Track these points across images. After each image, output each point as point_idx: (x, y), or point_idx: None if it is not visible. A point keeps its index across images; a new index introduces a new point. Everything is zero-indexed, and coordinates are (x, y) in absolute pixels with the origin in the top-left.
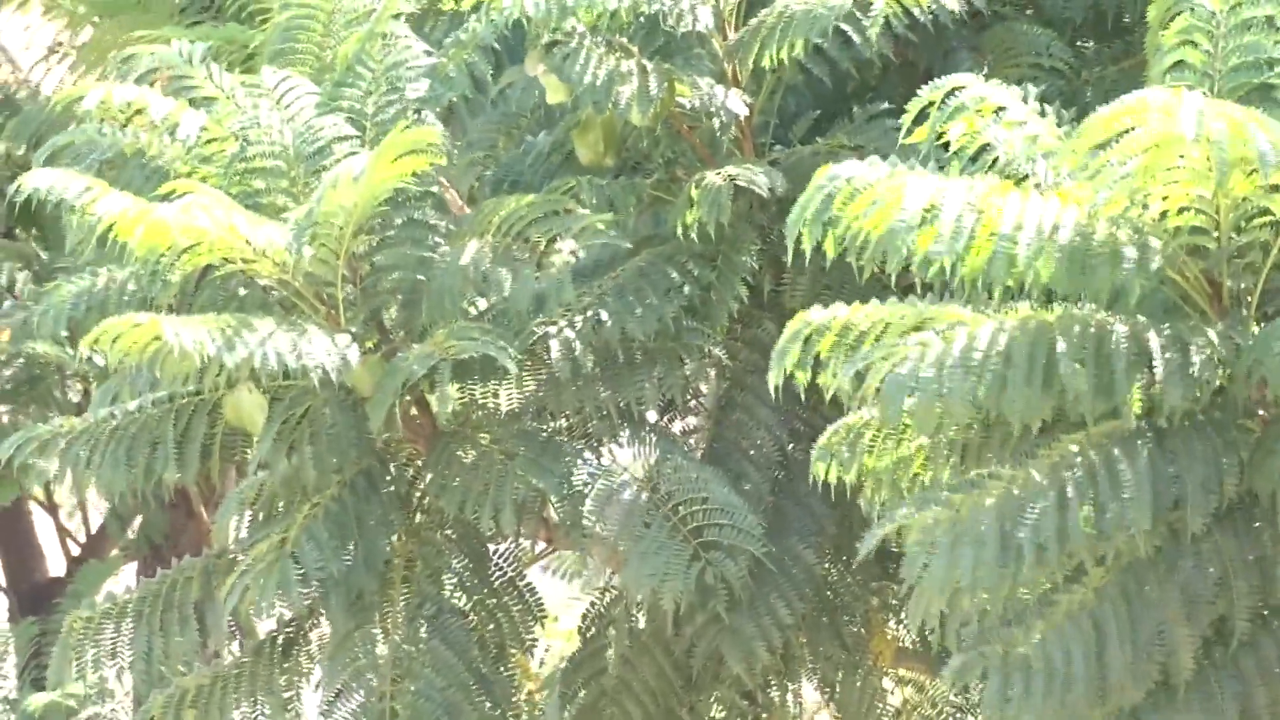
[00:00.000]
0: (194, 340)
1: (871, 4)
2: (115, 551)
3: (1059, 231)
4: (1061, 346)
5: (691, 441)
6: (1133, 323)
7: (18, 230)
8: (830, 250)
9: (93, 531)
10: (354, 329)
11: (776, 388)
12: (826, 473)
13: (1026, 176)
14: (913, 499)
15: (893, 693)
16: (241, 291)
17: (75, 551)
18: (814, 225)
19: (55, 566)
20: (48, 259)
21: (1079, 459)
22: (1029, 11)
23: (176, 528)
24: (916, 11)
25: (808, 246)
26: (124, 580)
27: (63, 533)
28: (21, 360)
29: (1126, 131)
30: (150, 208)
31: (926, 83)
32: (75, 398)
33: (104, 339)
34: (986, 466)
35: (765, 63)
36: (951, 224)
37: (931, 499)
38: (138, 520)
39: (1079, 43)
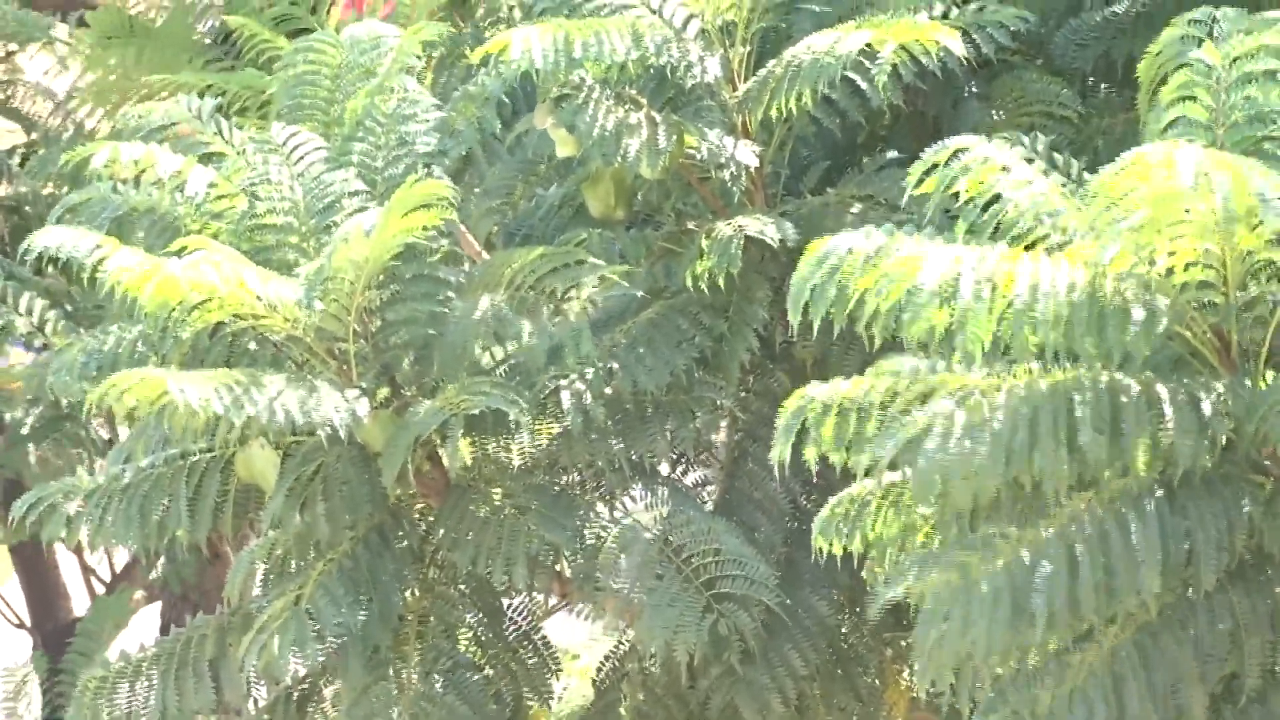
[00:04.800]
0: (199, 397)
1: (879, 53)
2: (139, 593)
3: (1073, 293)
4: (1080, 410)
5: (704, 492)
6: (1144, 380)
7: (48, 267)
8: (839, 320)
9: (117, 570)
10: (365, 383)
11: (783, 463)
12: (830, 545)
13: (1038, 239)
14: (920, 557)
15: None
16: (252, 347)
17: (100, 590)
18: (818, 299)
19: (80, 605)
20: (79, 297)
21: (1088, 519)
22: (1039, 61)
23: (201, 567)
24: (925, 60)
25: (816, 321)
26: (145, 620)
27: (87, 571)
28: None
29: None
30: (160, 264)
31: (936, 132)
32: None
33: (112, 393)
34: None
35: (774, 114)
36: (970, 294)
37: (942, 559)
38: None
39: (1089, 92)
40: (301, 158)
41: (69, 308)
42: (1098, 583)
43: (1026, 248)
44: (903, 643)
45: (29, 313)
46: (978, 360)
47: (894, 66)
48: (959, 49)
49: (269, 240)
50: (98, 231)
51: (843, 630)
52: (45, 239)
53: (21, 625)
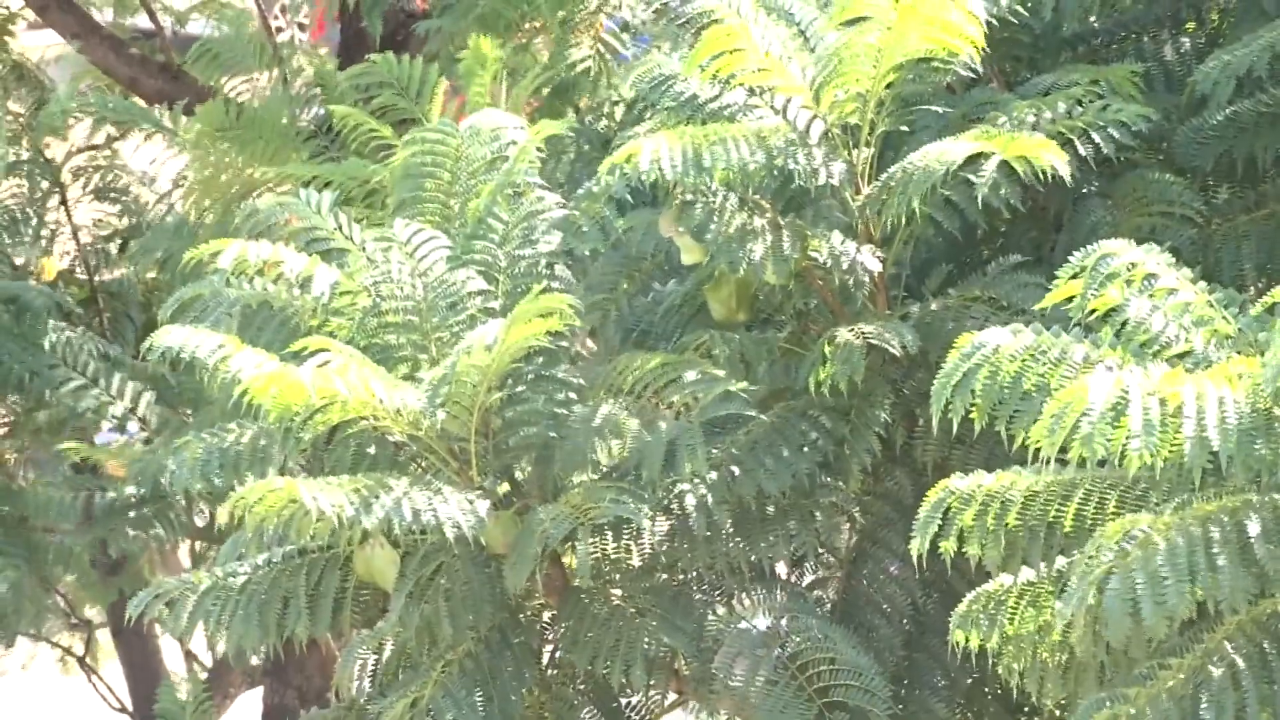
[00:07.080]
0: (332, 504)
1: (990, 156)
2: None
3: (1240, 407)
4: (1254, 531)
5: (821, 594)
6: None
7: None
8: (979, 420)
9: (219, 656)
10: (485, 484)
11: (921, 555)
12: (967, 640)
13: (1185, 350)
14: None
15: None
16: (371, 449)
17: (202, 676)
18: (961, 393)
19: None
20: (174, 382)
21: (1243, 640)
22: (1160, 158)
23: (301, 652)
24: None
25: (956, 417)
26: (249, 701)
27: (190, 657)
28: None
29: None
30: (285, 369)
31: (1057, 228)
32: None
33: (240, 506)
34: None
35: (890, 221)
36: (1141, 418)
37: (1107, 698)
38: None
39: (1209, 191)
40: (425, 255)
41: (160, 391)
42: (1263, 695)
43: (1176, 356)
44: None
45: (121, 395)
46: (1130, 473)
47: (1011, 170)
48: (1065, 170)
49: (390, 339)
50: (211, 327)
51: None
52: (168, 339)
53: (124, 710)
